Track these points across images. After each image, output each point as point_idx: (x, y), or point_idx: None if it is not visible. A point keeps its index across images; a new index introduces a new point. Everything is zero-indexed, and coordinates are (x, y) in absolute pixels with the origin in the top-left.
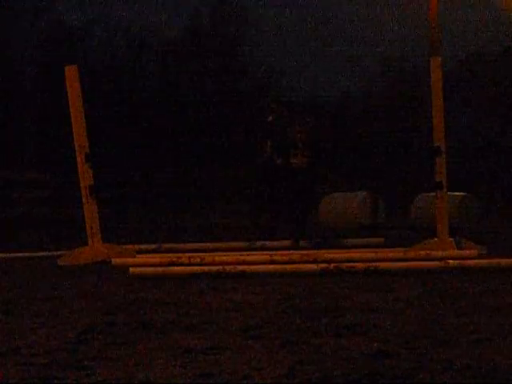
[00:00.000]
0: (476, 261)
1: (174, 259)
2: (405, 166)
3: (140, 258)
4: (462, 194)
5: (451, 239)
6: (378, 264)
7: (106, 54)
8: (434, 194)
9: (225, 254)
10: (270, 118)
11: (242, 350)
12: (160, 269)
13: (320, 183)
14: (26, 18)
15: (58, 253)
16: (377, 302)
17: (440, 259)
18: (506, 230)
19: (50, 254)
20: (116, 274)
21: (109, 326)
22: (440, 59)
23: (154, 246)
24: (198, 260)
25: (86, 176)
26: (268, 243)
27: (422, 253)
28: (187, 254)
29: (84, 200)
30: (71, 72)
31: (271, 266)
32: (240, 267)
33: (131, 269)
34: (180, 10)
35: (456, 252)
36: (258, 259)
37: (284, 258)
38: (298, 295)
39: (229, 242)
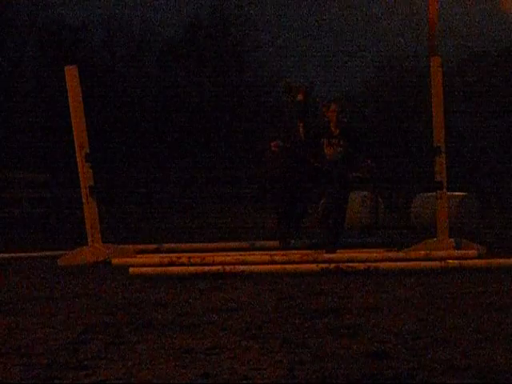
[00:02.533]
0: (476, 261)
1: (174, 259)
2: (405, 166)
3: (140, 258)
4: (462, 193)
5: (451, 239)
6: (377, 264)
7: (105, 54)
8: (433, 193)
9: (225, 253)
10: (300, 97)
11: (242, 350)
12: (160, 269)
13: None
14: (25, 17)
15: (58, 253)
16: (377, 302)
17: (440, 259)
18: (505, 229)
19: (49, 253)
20: (116, 274)
21: (109, 326)
22: (440, 59)
23: (154, 246)
24: (198, 260)
25: (86, 176)
26: (268, 243)
27: (422, 253)
28: (187, 254)
29: (84, 200)
30: (71, 72)
31: (271, 266)
32: (240, 267)
33: (131, 269)
34: (180, 10)
35: (456, 252)
36: (258, 259)
37: (284, 257)
38: (298, 295)
39: (229, 242)
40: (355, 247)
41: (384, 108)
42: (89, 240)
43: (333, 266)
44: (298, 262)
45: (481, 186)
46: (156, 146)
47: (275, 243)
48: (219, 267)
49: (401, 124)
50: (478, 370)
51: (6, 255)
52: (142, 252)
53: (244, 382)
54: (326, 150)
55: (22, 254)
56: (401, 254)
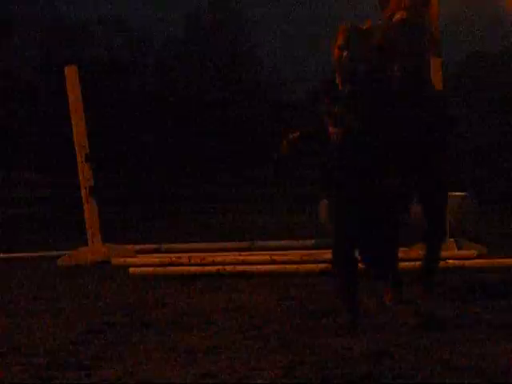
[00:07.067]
0: (476, 261)
1: (174, 259)
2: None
3: (140, 258)
4: (462, 193)
5: (451, 239)
6: None
7: (105, 54)
8: None
9: (225, 253)
10: None
11: (242, 350)
12: (160, 269)
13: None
14: (25, 17)
15: (58, 253)
16: (377, 302)
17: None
18: (505, 229)
19: (50, 254)
20: (116, 274)
21: (109, 326)
22: (440, 60)
23: (154, 246)
24: (198, 260)
25: (86, 176)
26: (268, 243)
27: (422, 253)
28: (187, 254)
29: (84, 200)
30: (71, 72)
31: (271, 266)
32: (240, 267)
33: (131, 269)
34: (180, 10)
35: (456, 252)
36: (258, 259)
37: (284, 257)
38: (298, 295)
39: (229, 242)
40: None
41: None
42: (89, 240)
43: None
44: (298, 262)
45: (481, 186)
46: (156, 145)
47: (275, 243)
48: (219, 267)
49: None
50: (478, 370)
51: (6, 255)
52: (142, 252)
53: (244, 381)
54: (330, 127)
55: (22, 254)
56: (401, 254)
